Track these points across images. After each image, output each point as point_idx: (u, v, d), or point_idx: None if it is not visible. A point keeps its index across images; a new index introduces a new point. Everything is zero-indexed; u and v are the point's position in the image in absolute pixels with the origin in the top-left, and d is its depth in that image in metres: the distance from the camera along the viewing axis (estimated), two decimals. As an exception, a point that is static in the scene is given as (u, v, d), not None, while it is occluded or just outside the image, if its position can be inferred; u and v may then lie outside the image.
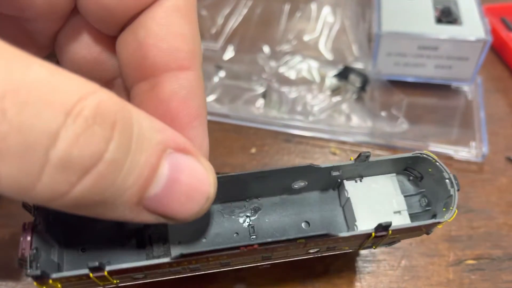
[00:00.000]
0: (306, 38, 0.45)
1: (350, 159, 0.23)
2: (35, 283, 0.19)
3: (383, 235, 0.21)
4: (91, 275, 0.19)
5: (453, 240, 0.31)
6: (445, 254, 0.30)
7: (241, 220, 0.24)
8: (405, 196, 0.24)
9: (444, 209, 0.22)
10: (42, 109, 0.13)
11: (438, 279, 0.29)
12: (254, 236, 0.24)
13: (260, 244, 0.20)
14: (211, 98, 0.40)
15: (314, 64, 0.42)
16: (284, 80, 0.41)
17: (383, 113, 0.38)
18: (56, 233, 0.22)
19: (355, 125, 0.38)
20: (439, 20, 0.40)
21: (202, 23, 0.47)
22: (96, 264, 0.19)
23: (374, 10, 0.41)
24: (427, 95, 0.41)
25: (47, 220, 0.22)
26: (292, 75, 0.42)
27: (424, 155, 0.23)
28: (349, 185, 0.24)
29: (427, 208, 0.24)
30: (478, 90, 0.40)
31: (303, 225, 0.25)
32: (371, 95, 0.40)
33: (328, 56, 0.44)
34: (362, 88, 0.40)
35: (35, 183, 0.14)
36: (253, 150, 0.37)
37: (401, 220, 0.23)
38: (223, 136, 0.39)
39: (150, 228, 0.23)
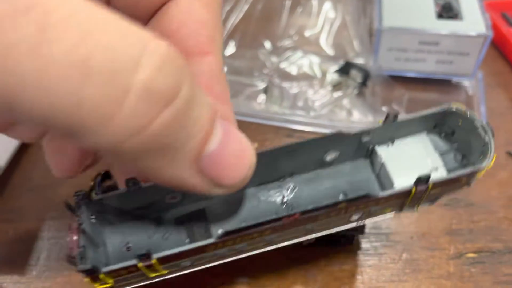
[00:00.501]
0: (307, 33, 0.45)
1: (379, 122, 0.23)
2: (86, 280, 0.19)
3: (423, 189, 0.21)
4: (140, 264, 0.19)
5: (454, 234, 0.31)
6: (445, 248, 0.30)
7: (277, 200, 0.24)
8: (439, 154, 0.23)
9: (481, 157, 0.22)
10: (122, 34, 0.13)
11: (438, 272, 0.29)
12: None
13: (302, 213, 0.20)
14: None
15: (315, 59, 0.43)
16: (285, 76, 0.41)
17: (384, 108, 0.38)
18: (99, 233, 0.22)
19: (356, 120, 0.38)
20: (440, 16, 0.40)
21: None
22: (144, 251, 0.19)
23: (375, 5, 0.41)
24: (428, 90, 0.41)
25: (90, 220, 0.22)
26: (293, 70, 0.42)
27: (452, 109, 0.23)
28: (381, 150, 0.24)
29: (463, 162, 0.23)
30: (479, 85, 0.41)
31: (340, 197, 0.24)
32: (372, 90, 0.40)
33: (329, 51, 0.44)
34: (363, 83, 0.40)
35: (116, 112, 0.13)
36: (255, 145, 0.38)
37: (433, 165, 0.23)
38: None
39: (190, 221, 0.23)
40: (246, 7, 0.48)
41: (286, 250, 0.30)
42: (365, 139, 0.23)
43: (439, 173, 0.23)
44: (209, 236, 0.23)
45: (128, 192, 0.21)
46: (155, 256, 0.19)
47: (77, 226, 0.21)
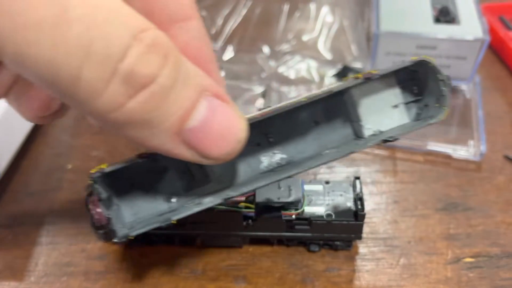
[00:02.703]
0: (305, 38, 0.45)
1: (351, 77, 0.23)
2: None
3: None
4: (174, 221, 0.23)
5: (452, 238, 0.31)
6: (443, 252, 0.30)
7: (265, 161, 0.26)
8: (400, 88, 0.25)
9: (437, 104, 0.24)
10: (119, 26, 0.16)
11: (436, 277, 0.29)
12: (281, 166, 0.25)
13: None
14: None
15: (313, 63, 0.43)
16: (284, 80, 0.42)
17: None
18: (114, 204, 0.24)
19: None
20: (437, 20, 0.40)
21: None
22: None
23: (373, 9, 0.41)
24: (426, 94, 0.41)
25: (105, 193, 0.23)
26: (291, 74, 0.42)
27: (423, 59, 0.23)
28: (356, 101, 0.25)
29: (418, 98, 0.25)
30: (476, 89, 0.41)
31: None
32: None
33: (327, 55, 0.44)
34: (361, 87, 0.40)
35: (103, 90, 0.16)
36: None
37: (399, 113, 0.25)
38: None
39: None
40: (244, 11, 0.48)
41: (285, 253, 0.30)
42: (344, 96, 0.24)
43: (399, 109, 0.25)
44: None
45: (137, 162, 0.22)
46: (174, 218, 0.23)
47: (98, 199, 0.22)
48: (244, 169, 0.25)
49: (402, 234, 0.32)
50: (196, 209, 0.23)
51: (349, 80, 0.23)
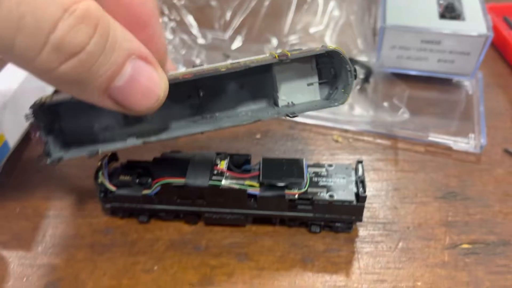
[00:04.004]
0: (312, 30, 0.46)
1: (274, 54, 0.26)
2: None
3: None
4: None
5: (450, 225, 0.32)
6: (441, 238, 0.31)
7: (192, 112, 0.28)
8: (318, 69, 0.27)
9: (342, 90, 0.27)
10: (49, 2, 0.18)
11: (434, 261, 0.30)
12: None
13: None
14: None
15: (319, 55, 0.43)
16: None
17: (385, 104, 0.39)
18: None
19: (357, 114, 0.39)
20: (442, 16, 0.41)
21: (212, 13, 0.49)
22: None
23: (380, 4, 0.42)
24: (429, 89, 0.42)
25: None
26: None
27: (333, 51, 0.26)
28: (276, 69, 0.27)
29: (331, 80, 0.28)
30: (478, 85, 0.41)
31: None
32: (374, 87, 0.41)
33: (334, 48, 0.45)
34: (366, 79, 0.41)
35: (36, 56, 0.18)
36: (258, 136, 0.38)
37: (312, 91, 0.28)
38: (229, 122, 0.40)
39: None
40: (253, 3, 0.49)
41: (286, 234, 0.31)
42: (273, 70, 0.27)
43: (313, 87, 0.28)
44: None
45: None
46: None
47: (37, 126, 0.25)
48: (173, 117, 0.28)
49: (401, 219, 0.32)
50: (119, 145, 0.27)
51: (267, 58, 0.25)
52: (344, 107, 0.40)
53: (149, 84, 0.22)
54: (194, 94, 0.28)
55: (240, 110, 0.28)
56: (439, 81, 0.42)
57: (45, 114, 0.25)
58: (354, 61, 0.42)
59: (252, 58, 0.26)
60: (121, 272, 0.29)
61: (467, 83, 0.42)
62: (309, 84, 0.28)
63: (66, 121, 0.27)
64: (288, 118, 0.28)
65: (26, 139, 0.37)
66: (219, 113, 0.28)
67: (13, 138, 0.35)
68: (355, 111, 0.39)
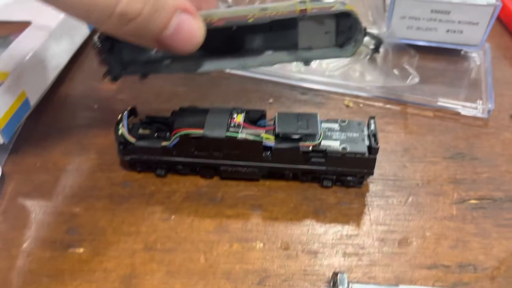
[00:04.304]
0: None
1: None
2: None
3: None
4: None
5: (458, 183, 0.33)
6: (449, 194, 0.32)
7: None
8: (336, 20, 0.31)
9: (353, 43, 0.31)
10: None
11: (442, 214, 0.31)
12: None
13: None
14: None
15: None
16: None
17: (395, 71, 0.40)
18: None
19: (368, 81, 0.40)
20: (452, -13, 0.42)
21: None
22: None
23: (390, -24, 0.43)
24: (438, 60, 0.43)
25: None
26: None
27: (348, 12, 0.29)
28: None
29: (347, 31, 0.31)
30: (486, 56, 0.42)
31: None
32: (384, 56, 0.42)
33: (344, 21, 0.46)
34: (376, 49, 0.42)
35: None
36: (271, 100, 0.39)
37: (329, 38, 0.31)
38: (242, 88, 0.41)
39: None
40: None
41: (299, 188, 0.32)
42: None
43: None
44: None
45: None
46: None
47: (100, 49, 0.30)
48: (209, 54, 0.32)
49: (411, 177, 0.33)
50: (165, 71, 0.32)
51: (291, 9, 0.29)
52: (355, 74, 0.41)
53: (190, 32, 0.27)
54: (226, 36, 0.31)
55: (265, 53, 0.32)
56: (448, 52, 0.43)
57: (108, 40, 0.30)
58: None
59: (278, 4, 0.29)
60: (139, 220, 0.30)
61: (474, 54, 0.43)
62: (326, 32, 0.31)
63: (125, 47, 0.31)
64: (304, 66, 0.31)
65: (47, 98, 0.39)
66: (246, 54, 0.32)
67: (34, 97, 0.36)
68: (366, 79, 0.40)
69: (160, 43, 0.27)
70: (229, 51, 0.32)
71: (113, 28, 0.25)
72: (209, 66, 0.32)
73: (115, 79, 0.31)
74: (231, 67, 0.32)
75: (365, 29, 0.30)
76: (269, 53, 0.32)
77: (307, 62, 0.31)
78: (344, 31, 0.30)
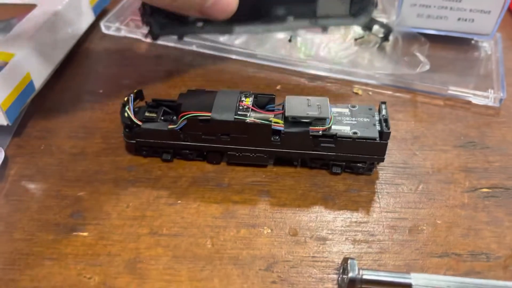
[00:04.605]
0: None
1: None
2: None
3: None
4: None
5: (469, 171, 0.32)
6: (461, 182, 0.31)
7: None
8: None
9: (365, 13, 0.38)
10: None
11: (453, 202, 0.30)
12: None
13: None
14: (238, 41, 0.42)
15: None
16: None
17: (405, 58, 0.40)
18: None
19: (377, 68, 0.39)
20: (463, -26, 0.41)
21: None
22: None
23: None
24: (448, 49, 0.43)
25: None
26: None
27: None
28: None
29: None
30: (497, 46, 0.42)
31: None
32: (394, 44, 0.41)
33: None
34: (385, 38, 0.42)
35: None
36: (278, 87, 0.39)
37: (345, 6, 0.38)
38: (250, 74, 0.40)
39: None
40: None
41: (307, 175, 0.32)
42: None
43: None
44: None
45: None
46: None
47: (144, 11, 0.36)
48: (240, 19, 0.37)
49: (421, 165, 0.33)
50: (198, 32, 0.38)
51: None
52: (364, 62, 0.40)
53: (227, 1, 0.32)
54: (253, 4, 0.37)
55: (287, 20, 0.38)
56: (458, 41, 0.43)
57: (149, 5, 0.35)
58: (374, 21, 0.42)
59: None
60: (145, 205, 0.30)
61: (485, 44, 0.43)
62: (342, 2, 0.37)
63: (163, 11, 0.35)
64: (321, 32, 0.38)
65: (52, 81, 0.38)
66: (271, 20, 0.38)
67: (39, 80, 0.36)
68: (375, 66, 0.40)
69: (201, 13, 0.32)
70: (256, 18, 0.37)
71: (166, 4, 0.32)
72: (238, 29, 0.38)
73: (155, 38, 0.37)
74: (257, 31, 0.38)
75: (376, 4, 0.37)
76: (290, 19, 0.37)
77: (325, 28, 0.37)
78: (357, 2, 0.36)
